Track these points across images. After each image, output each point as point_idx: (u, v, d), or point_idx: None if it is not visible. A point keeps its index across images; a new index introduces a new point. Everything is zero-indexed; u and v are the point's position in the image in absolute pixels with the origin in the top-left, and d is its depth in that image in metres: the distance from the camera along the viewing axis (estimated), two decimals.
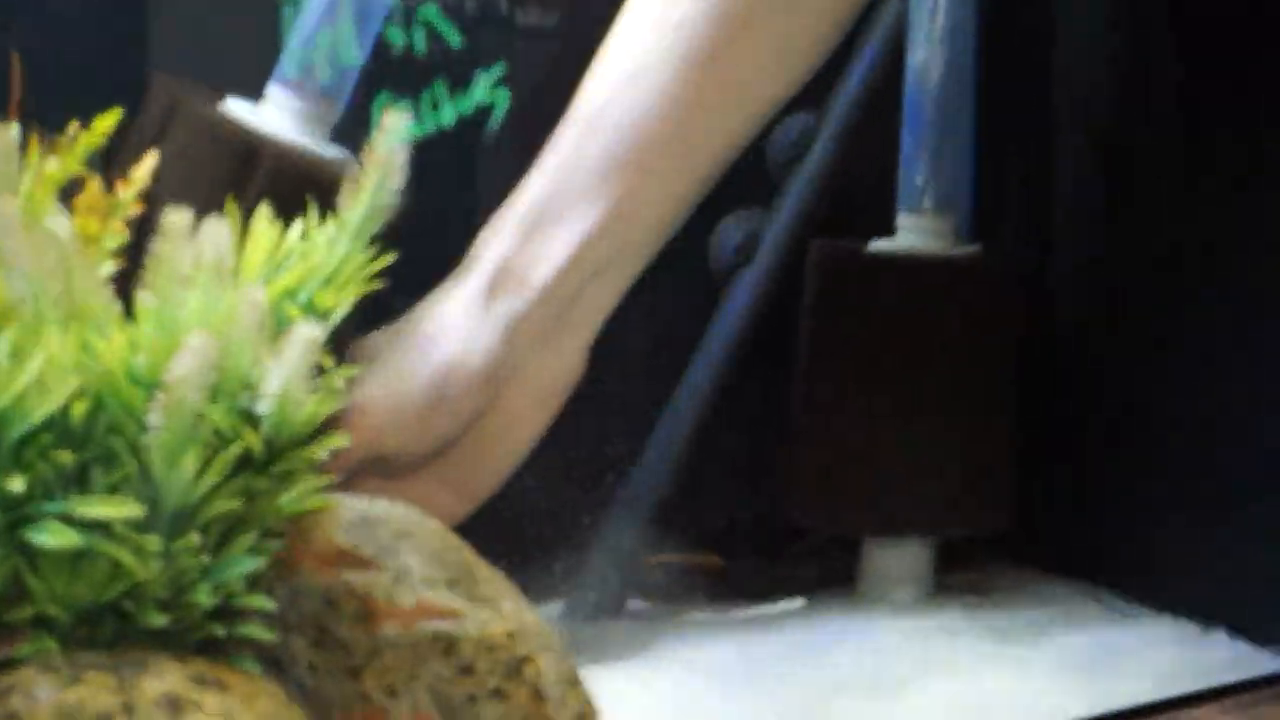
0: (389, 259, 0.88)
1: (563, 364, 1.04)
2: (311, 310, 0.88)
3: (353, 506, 0.92)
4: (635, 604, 1.14)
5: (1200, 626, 1.12)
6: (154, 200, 0.91)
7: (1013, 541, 1.20)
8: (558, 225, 1.01)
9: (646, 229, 1.02)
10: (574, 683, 0.92)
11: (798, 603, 1.17)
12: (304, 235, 0.90)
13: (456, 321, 1.01)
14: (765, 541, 1.20)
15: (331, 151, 1.06)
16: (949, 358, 1.17)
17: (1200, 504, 1.13)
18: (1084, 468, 1.20)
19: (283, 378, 0.84)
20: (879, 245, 1.19)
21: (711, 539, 1.17)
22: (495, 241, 1.03)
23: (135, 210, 0.92)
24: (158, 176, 0.91)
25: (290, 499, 0.88)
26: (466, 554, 0.94)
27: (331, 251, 0.88)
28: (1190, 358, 1.14)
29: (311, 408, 0.85)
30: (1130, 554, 1.17)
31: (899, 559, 1.18)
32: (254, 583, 0.87)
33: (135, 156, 0.92)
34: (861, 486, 1.17)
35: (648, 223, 1.02)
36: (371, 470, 1.01)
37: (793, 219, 1.17)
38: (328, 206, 0.93)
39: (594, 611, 1.08)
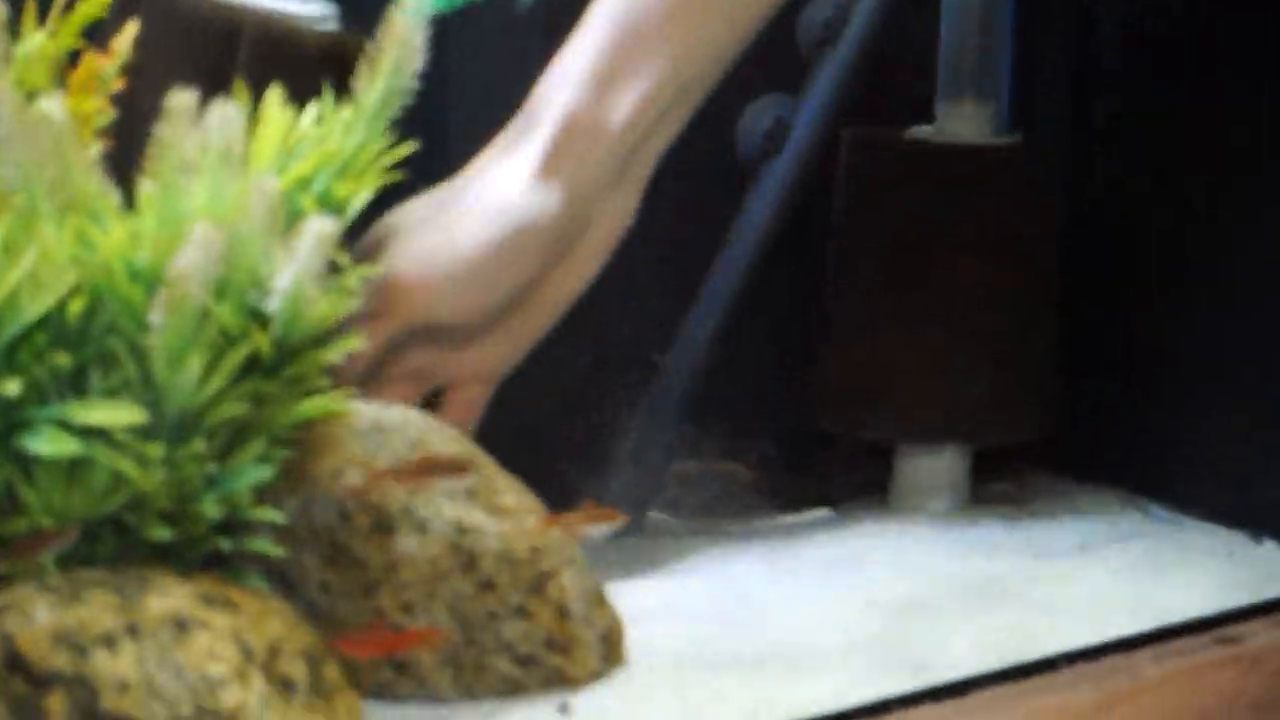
0: (409, 147, 0.83)
1: (621, 211, 0.99)
2: (326, 202, 0.82)
3: (365, 414, 0.87)
4: (660, 517, 1.09)
5: (1250, 536, 1.08)
6: (133, 79, 0.85)
7: (1052, 449, 1.16)
8: (630, 74, 0.96)
9: (705, 72, 0.99)
10: (599, 600, 0.87)
11: (827, 513, 1.13)
12: (318, 120, 0.84)
13: (523, 182, 0.96)
14: (796, 449, 1.15)
15: (315, 7, 0.99)
16: (987, 253, 1.12)
17: (1250, 410, 1.08)
18: (1129, 373, 1.14)
19: (294, 275, 0.78)
20: (916, 133, 1.13)
21: (740, 446, 1.12)
22: (561, 97, 0.97)
23: (118, 86, 0.86)
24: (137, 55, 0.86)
25: (302, 406, 0.83)
26: (485, 463, 0.88)
27: (347, 138, 0.82)
28: (1241, 259, 1.09)
29: (325, 308, 0.80)
30: (1176, 461, 1.12)
31: (933, 468, 1.13)
32: (262, 494, 0.82)
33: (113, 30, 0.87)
34: (893, 390, 1.12)
35: (706, 65, 0.99)
36: (425, 339, 0.97)
37: (824, 105, 1.11)
38: (325, 75, 0.88)
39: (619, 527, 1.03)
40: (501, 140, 0.98)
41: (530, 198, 0.95)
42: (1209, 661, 0.89)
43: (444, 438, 0.88)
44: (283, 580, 0.84)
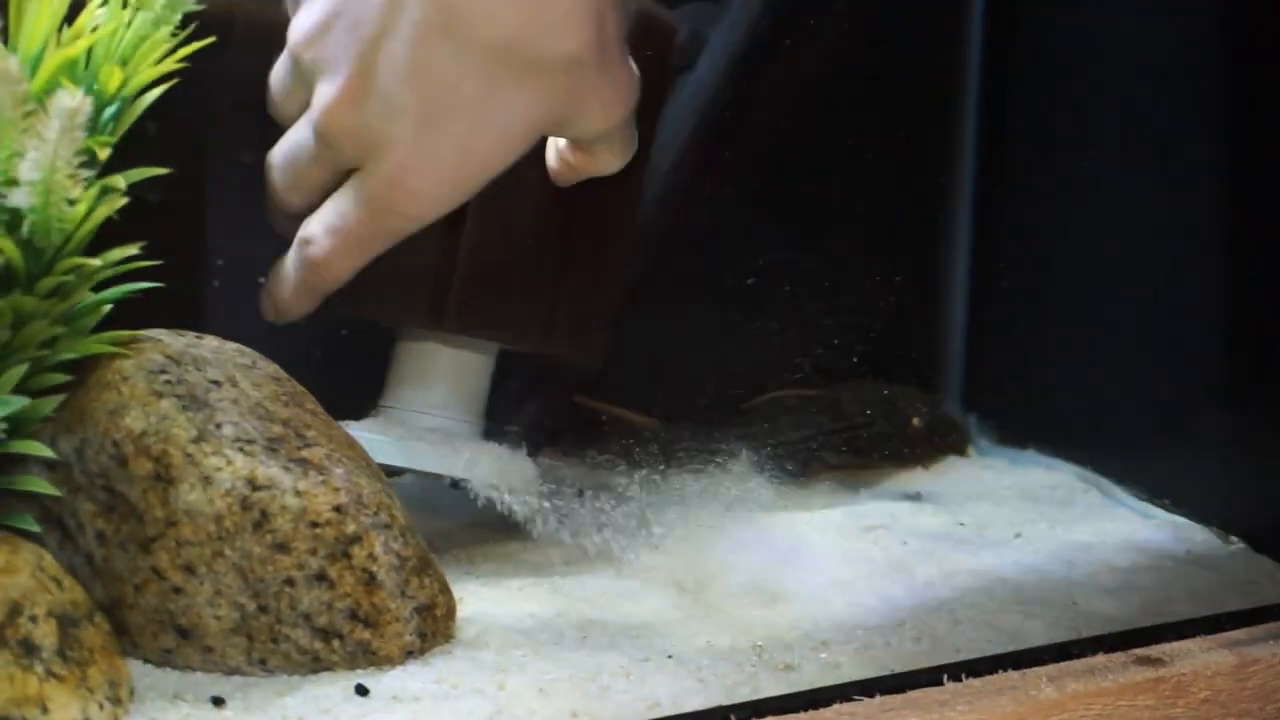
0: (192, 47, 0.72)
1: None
2: (96, 93, 0.71)
3: (164, 343, 0.77)
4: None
5: (1218, 534, 0.96)
6: None
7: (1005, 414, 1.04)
8: None
9: None
10: (420, 569, 0.77)
11: None
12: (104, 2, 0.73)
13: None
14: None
15: None
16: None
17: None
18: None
19: (42, 162, 0.67)
20: None
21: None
22: None
23: None
24: None
25: (79, 330, 0.73)
26: (303, 408, 0.78)
27: (133, 29, 0.71)
28: None
29: (84, 206, 0.70)
30: (1143, 445, 1.01)
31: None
32: (31, 429, 0.73)
33: None
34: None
35: None
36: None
37: (748, 17, 1.00)
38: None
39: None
40: None
41: None
42: (1122, 685, 0.78)
43: (257, 378, 0.78)
44: (61, 528, 0.75)
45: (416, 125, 0.80)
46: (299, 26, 0.82)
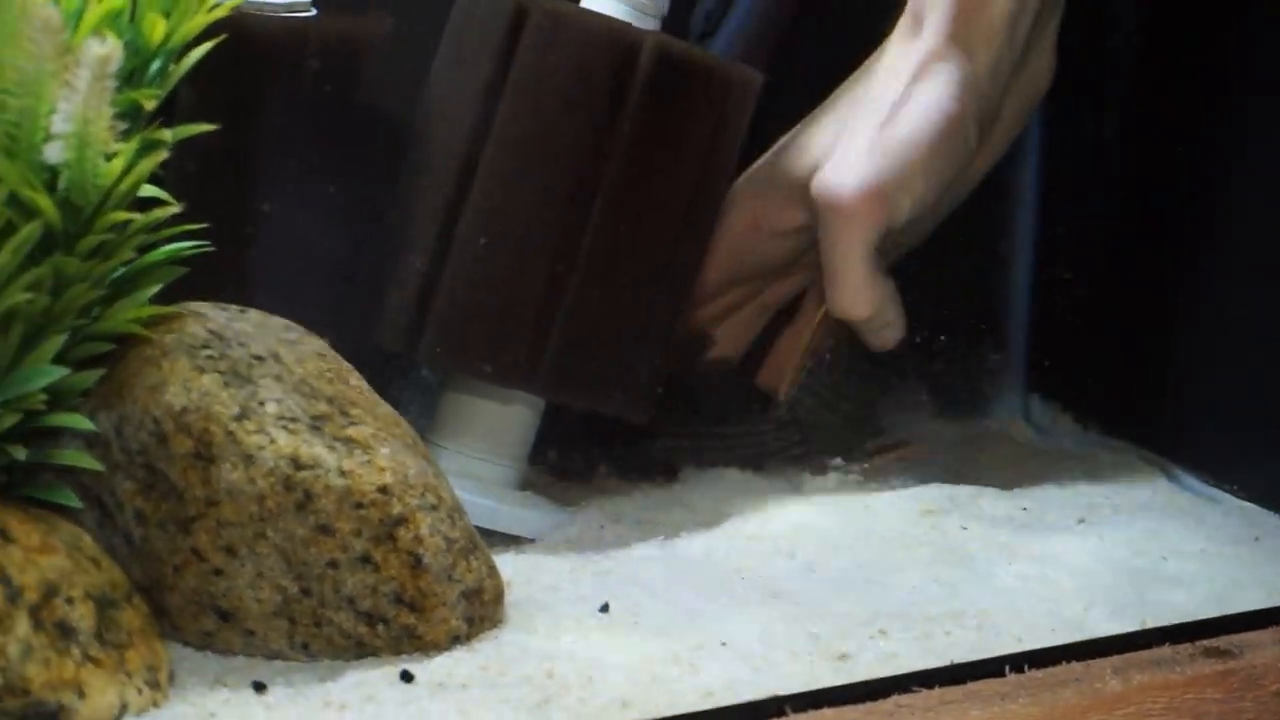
0: None
1: (1039, 73, 0.99)
2: (140, 47, 0.69)
3: (207, 317, 0.75)
4: None
5: None
6: None
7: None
8: None
9: None
10: (467, 551, 0.75)
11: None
12: None
13: (935, 65, 0.94)
14: None
15: None
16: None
17: None
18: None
19: (76, 113, 0.64)
20: None
21: None
22: None
23: None
24: None
25: (123, 305, 0.71)
26: (348, 385, 0.76)
27: None
28: None
29: (122, 159, 0.67)
30: (1211, 428, 0.98)
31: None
32: (70, 401, 0.71)
33: None
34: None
35: None
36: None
37: None
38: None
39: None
40: (896, 35, 0.96)
41: (948, 78, 0.93)
42: (1190, 677, 0.75)
43: (303, 353, 0.76)
44: (100, 506, 0.73)
45: None
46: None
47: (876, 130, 0.93)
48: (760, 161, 0.98)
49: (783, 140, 0.97)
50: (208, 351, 0.73)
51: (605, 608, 0.78)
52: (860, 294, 0.93)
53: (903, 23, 0.97)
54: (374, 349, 0.88)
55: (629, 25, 0.88)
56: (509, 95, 0.86)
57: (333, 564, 0.72)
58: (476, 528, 0.77)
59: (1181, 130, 1.02)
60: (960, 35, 0.94)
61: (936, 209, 0.96)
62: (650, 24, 0.90)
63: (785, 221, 0.96)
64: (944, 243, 1.01)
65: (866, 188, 0.91)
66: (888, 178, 0.92)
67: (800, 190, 0.94)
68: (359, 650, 0.73)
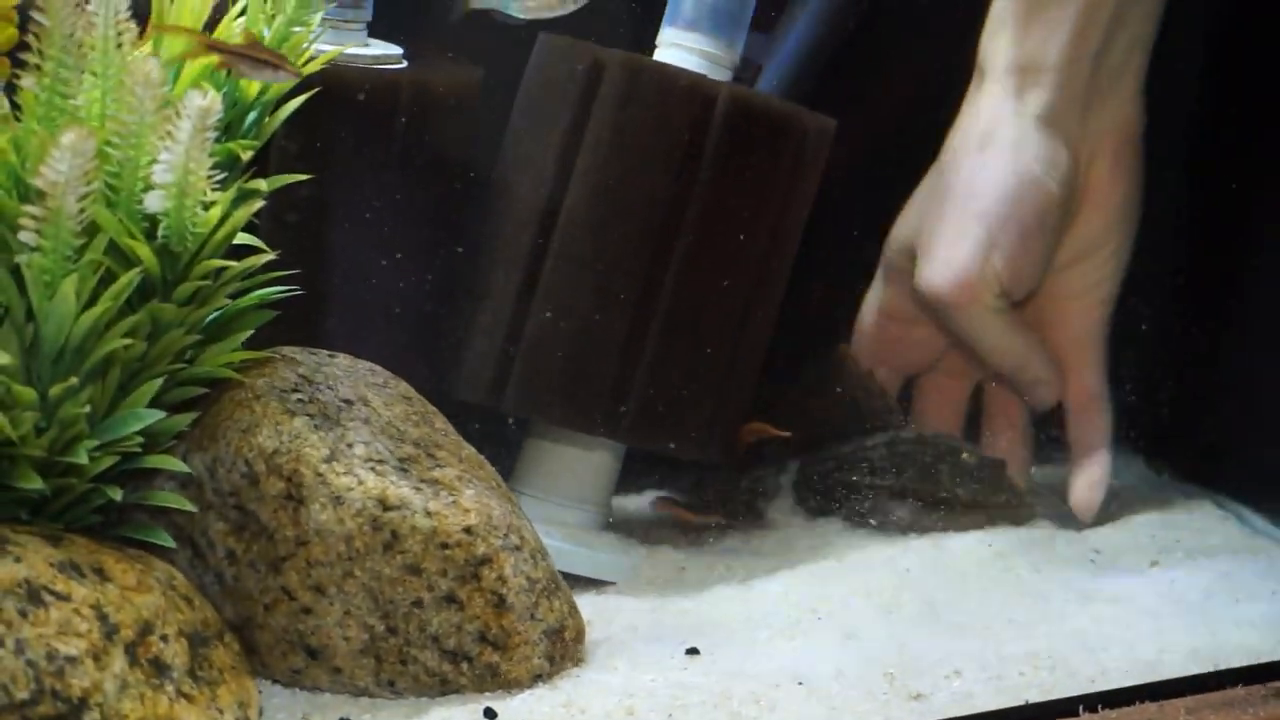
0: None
1: (1123, 115, 1.00)
2: (237, 99, 0.71)
3: (297, 361, 0.77)
4: None
5: None
6: None
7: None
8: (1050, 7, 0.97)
9: None
10: (549, 591, 0.76)
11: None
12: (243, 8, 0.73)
13: (1002, 138, 0.97)
14: None
15: (381, 48, 0.90)
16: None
17: None
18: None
19: (176, 164, 0.67)
20: None
21: None
22: (999, 46, 0.98)
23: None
24: None
25: (216, 349, 0.73)
26: (433, 427, 0.78)
27: (273, 30, 0.71)
28: None
29: (219, 208, 0.69)
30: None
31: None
32: (164, 444, 0.73)
33: None
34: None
35: None
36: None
37: (802, 46, 1.00)
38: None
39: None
40: (970, 92, 0.99)
41: (1014, 135, 0.96)
42: (1262, 718, 0.76)
43: (390, 396, 0.78)
44: (192, 546, 0.75)
45: None
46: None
47: (959, 212, 0.96)
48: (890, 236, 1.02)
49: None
50: (298, 395, 0.75)
51: (694, 650, 0.79)
52: (1001, 354, 0.98)
53: (975, 77, 0.99)
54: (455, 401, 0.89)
55: (704, 76, 0.90)
56: (588, 147, 0.88)
57: (418, 603, 0.73)
58: (560, 572, 0.79)
59: (1253, 175, 1.03)
60: (1020, 84, 0.97)
61: (1047, 254, 0.98)
62: (724, 75, 0.91)
63: (907, 312, 1.01)
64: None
65: (963, 277, 0.96)
66: (980, 256, 0.95)
67: (906, 280, 0.99)
68: (443, 688, 0.74)
